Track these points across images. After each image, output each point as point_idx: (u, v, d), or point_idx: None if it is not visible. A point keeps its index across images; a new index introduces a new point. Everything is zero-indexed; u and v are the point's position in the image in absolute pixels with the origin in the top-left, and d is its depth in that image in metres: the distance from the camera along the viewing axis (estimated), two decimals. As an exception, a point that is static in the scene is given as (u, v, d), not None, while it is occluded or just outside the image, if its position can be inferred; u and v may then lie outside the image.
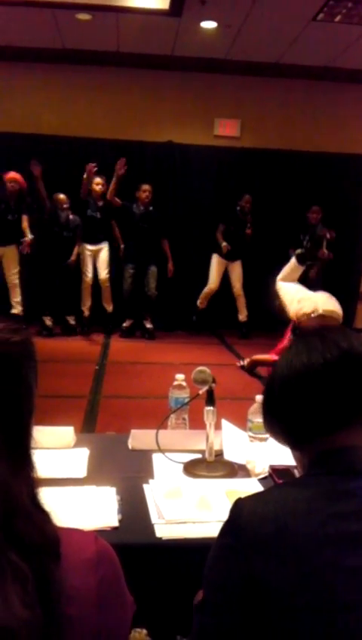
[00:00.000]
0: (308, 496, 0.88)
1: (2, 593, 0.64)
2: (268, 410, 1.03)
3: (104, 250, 7.17)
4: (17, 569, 0.67)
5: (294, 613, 0.81)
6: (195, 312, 7.56)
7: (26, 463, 0.77)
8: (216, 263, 7.41)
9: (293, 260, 3.16)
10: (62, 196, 6.95)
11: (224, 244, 7.24)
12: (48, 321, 7.05)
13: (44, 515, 0.75)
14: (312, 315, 2.60)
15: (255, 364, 4.13)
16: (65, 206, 6.95)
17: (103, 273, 7.17)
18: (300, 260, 3.14)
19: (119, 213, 7.09)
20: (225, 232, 7.31)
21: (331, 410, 0.94)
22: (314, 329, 1.01)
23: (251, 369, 4.20)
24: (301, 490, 0.91)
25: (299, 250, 3.37)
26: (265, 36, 6.62)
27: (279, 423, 1.00)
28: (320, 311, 2.59)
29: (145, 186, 7.09)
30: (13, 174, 6.65)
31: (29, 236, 6.71)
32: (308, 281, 7.26)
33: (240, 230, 7.26)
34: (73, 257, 7.01)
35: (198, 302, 7.53)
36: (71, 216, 7.01)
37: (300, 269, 3.21)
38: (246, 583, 0.84)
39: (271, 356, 3.86)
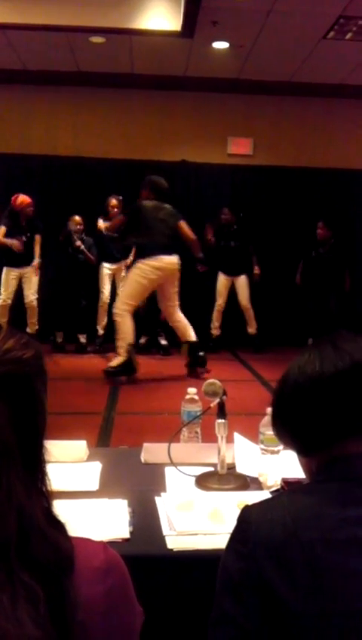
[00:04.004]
0: (317, 502, 0.89)
1: (15, 614, 0.65)
2: (277, 415, 1.03)
3: (124, 270, 7.21)
4: (29, 590, 0.67)
5: (305, 618, 0.80)
6: (210, 339, 7.56)
7: (41, 477, 0.78)
8: (220, 280, 7.50)
9: None
10: (77, 218, 7.03)
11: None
12: (59, 338, 7.10)
13: (58, 530, 0.76)
14: None
15: None
16: (78, 227, 7.02)
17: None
18: None
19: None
20: (218, 248, 7.38)
21: (340, 418, 0.94)
22: (328, 337, 1.01)
23: None
24: (309, 497, 0.91)
25: None
26: (276, 55, 6.70)
27: (288, 428, 1.01)
28: None
29: None
30: (25, 198, 6.73)
31: (37, 260, 6.82)
32: (328, 311, 7.32)
33: (230, 244, 7.34)
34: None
35: (212, 328, 7.55)
36: (84, 238, 7.08)
37: None
38: (259, 589, 0.84)
39: None
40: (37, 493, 0.76)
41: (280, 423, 1.02)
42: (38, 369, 0.82)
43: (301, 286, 7.54)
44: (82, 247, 6.96)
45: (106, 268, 7.20)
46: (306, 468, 1.03)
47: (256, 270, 7.42)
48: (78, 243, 6.95)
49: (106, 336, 7.25)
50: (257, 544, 0.86)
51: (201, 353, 5.88)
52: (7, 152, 7.55)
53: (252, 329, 7.53)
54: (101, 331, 7.25)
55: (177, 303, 5.88)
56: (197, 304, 7.66)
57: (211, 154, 7.90)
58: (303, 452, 1.01)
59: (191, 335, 5.84)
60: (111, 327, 7.25)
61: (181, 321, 5.86)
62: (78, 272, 7.07)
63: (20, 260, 6.86)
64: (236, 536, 0.91)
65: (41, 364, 0.84)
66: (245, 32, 6.14)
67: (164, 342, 7.29)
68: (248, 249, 7.41)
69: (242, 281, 7.47)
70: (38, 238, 6.88)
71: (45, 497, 0.77)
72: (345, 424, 0.94)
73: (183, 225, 5.78)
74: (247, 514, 0.91)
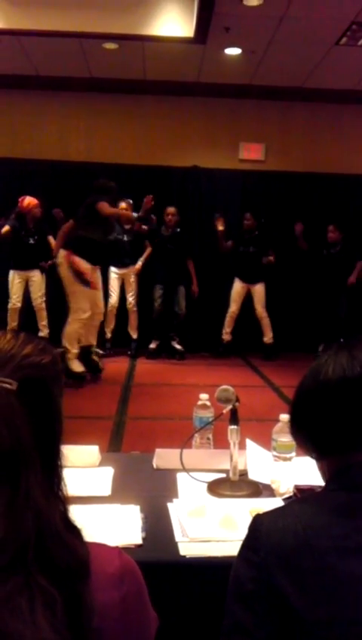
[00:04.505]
0: (328, 511, 0.89)
1: (32, 618, 0.65)
2: (294, 418, 1.04)
3: (132, 274, 7.23)
4: (47, 594, 0.68)
5: (315, 626, 0.80)
6: (221, 344, 7.55)
7: (57, 482, 0.79)
8: (236, 286, 7.46)
9: None
10: None
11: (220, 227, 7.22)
12: None
13: (75, 535, 0.76)
14: None
15: None
16: None
17: (131, 297, 7.22)
18: None
19: (148, 236, 7.16)
20: (236, 254, 7.35)
21: (351, 426, 0.94)
22: (346, 343, 1.01)
23: None
24: (321, 505, 0.91)
25: None
26: (288, 61, 6.70)
27: (303, 432, 1.02)
28: None
29: (170, 209, 7.19)
30: (32, 200, 6.75)
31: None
32: (337, 316, 7.30)
33: (250, 250, 7.32)
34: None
35: (223, 334, 7.52)
36: None
37: None
38: (271, 598, 0.84)
39: None
40: (54, 497, 0.77)
41: (297, 426, 1.03)
42: (55, 374, 0.83)
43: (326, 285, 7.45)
44: None
45: (114, 272, 7.22)
46: (322, 472, 1.03)
47: (271, 257, 7.28)
48: None
49: (115, 341, 7.28)
50: (269, 552, 0.86)
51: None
52: (20, 156, 7.60)
53: (267, 338, 7.46)
54: (109, 335, 7.27)
55: (71, 306, 5.57)
56: (209, 309, 7.68)
57: (223, 159, 7.91)
58: (318, 456, 1.02)
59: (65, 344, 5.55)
60: (120, 331, 7.30)
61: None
62: None
63: (26, 263, 6.89)
64: (247, 545, 0.91)
65: (58, 369, 0.85)
66: (257, 38, 6.15)
67: (178, 346, 7.30)
68: (267, 254, 7.34)
69: (259, 289, 7.41)
70: (50, 238, 6.91)
71: (62, 502, 0.78)
72: (355, 432, 0.94)
73: (99, 206, 5.45)
74: (259, 522, 0.91)
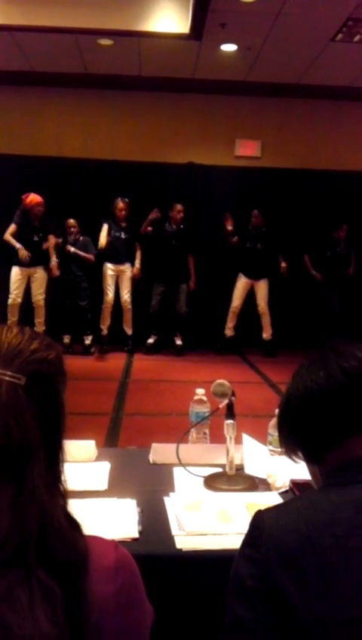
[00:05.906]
0: (331, 508, 0.87)
1: (31, 612, 0.66)
2: (284, 424, 1.04)
3: (127, 271, 7.22)
4: (47, 588, 0.68)
5: (313, 625, 0.79)
6: (221, 340, 7.53)
7: (59, 476, 0.79)
8: (240, 282, 7.44)
9: None
10: (71, 221, 7.10)
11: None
12: (67, 339, 7.13)
13: (75, 529, 0.77)
14: None
15: None
16: (72, 230, 7.06)
17: (126, 294, 7.21)
18: None
19: (153, 233, 7.16)
20: (243, 250, 7.34)
21: (348, 417, 0.95)
22: (327, 346, 1.03)
23: None
24: (323, 501, 0.90)
25: None
26: (284, 57, 6.70)
27: (295, 436, 1.01)
28: None
29: (179, 206, 7.22)
30: (35, 197, 6.74)
31: (55, 260, 6.84)
32: (331, 310, 7.33)
33: (257, 246, 7.30)
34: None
35: (226, 329, 7.50)
36: (81, 238, 7.11)
37: None
38: (272, 595, 0.83)
39: None
40: (56, 491, 0.77)
41: (288, 431, 1.03)
42: (60, 370, 0.84)
43: (321, 282, 7.48)
44: (72, 250, 7.02)
45: (110, 269, 7.21)
46: (314, 476, 1.03)
47: (284, 264, 7.31)
48: (68, 247, 7.01)
49: (112, 337, 7.27)
50: (270, 550, 0.85)
51: None
52: (16, 153, 7.58)
53: (267, 334, 7.45)
54: (105, 331, 7.26)
55: None
56: (208, 305, 7.68)
57: (219, 156, 7.90)
58: (311, 458, 1.01)
59: None
60: (116, 328, 7.29)
61: None
62: (68, 271, 7.12)
63: (30, 259, 6.88)
64: (248, 542, 0.89)
65: (62, 365, 0.85)
66: (253, 35, 6.14)
67: (179, 342, 7.31)
68: (274, 252, 7.34)
69: (263, 285, 7.41)
70: (51, 239, 6.90)
71: (62, 496, 0.78)
72: (352, 423, 0.95)
73: None
74: (260, 519, 0.90)
